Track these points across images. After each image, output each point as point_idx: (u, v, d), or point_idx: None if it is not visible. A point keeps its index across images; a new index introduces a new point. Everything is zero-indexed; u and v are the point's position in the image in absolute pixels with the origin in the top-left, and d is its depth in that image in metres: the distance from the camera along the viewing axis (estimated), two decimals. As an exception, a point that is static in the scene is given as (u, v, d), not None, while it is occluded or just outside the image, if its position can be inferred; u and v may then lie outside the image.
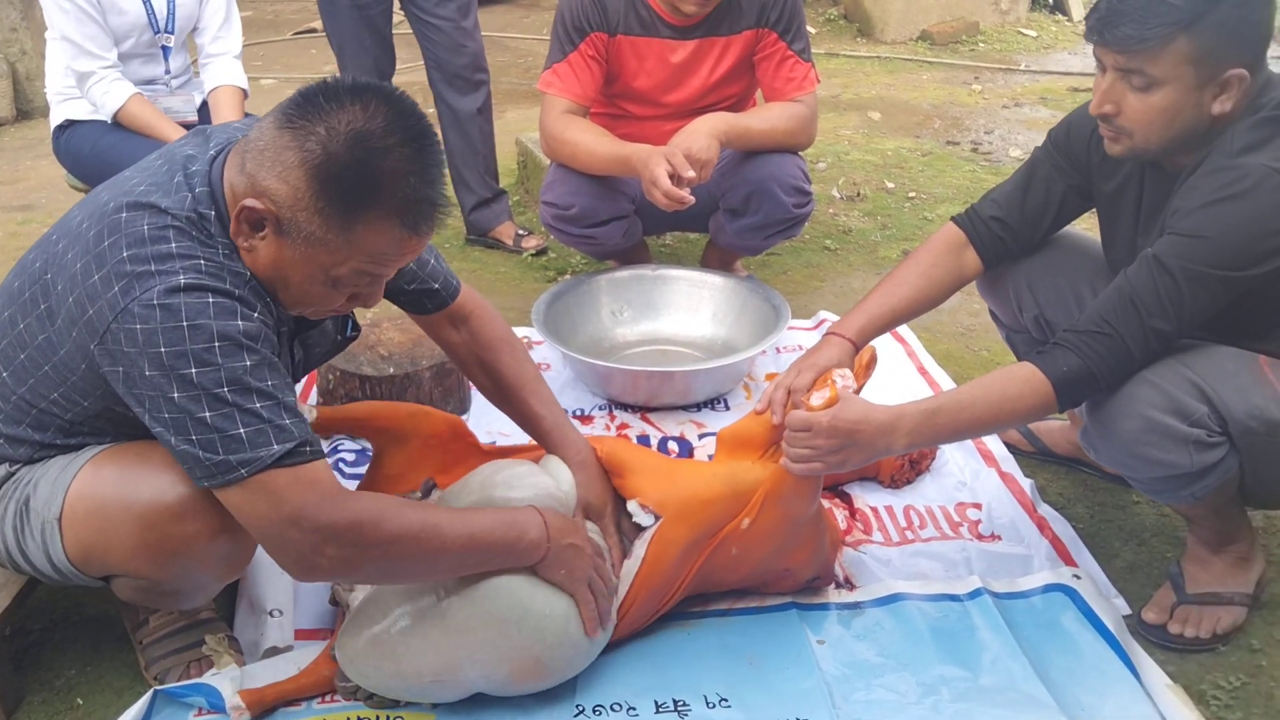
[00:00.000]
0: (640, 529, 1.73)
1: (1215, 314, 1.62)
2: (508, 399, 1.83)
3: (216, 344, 1.32)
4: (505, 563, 1.52)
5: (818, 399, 1.66)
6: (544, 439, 1.81)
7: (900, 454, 1.67)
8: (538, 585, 1.56)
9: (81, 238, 1.40)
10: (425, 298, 1.76)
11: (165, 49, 2.87)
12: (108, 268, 1.35)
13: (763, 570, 1.80)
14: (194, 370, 1.31)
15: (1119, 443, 1.64)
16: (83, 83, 2.73)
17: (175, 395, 1.31)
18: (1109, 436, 1.65)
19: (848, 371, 1.72)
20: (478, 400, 2.45)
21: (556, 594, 1.57)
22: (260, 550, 1.85)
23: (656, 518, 1.71)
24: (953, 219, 2.00)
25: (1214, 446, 1.60)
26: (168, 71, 2.90)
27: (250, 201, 1.34)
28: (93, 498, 1.44)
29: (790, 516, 1.74)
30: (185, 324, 1.31)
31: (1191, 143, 1.64)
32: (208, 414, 1.31)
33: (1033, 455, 2.32)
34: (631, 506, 1.74)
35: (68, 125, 2.84)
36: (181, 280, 1.33)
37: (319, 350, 1.75)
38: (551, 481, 1.68)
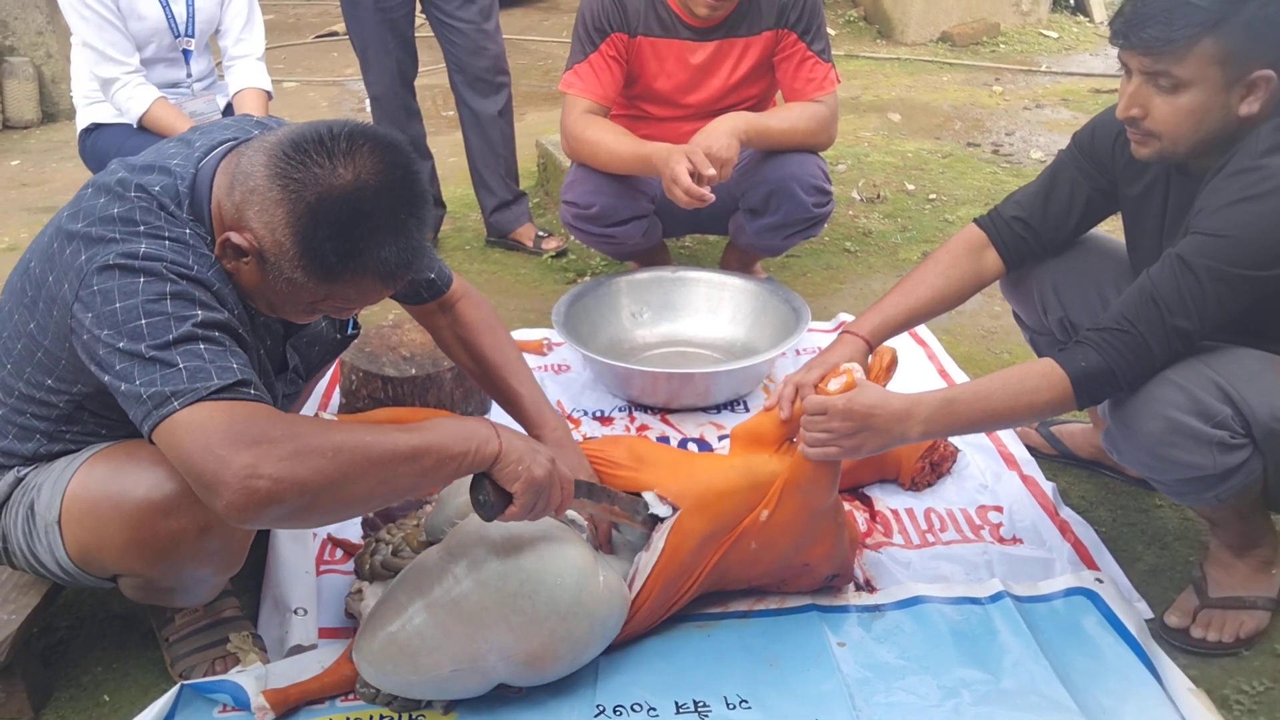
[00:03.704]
0: (658, 520, 1.74)
1: (1238, 315, 1.61)
2: (489, 379, 1.88)
3: (168, 298, 1.34)
4: (461, 467, 1.45)
5: (834, 384, 1.68)
6: (522, 417, 1.85)
7: (915, 442, 1.68)
8: (545, 557, 1.57)
9: (58, 221, 1.44)
10: (422, 287, 1.80)
11: (186, 53, 2.89)
12: (77, 241, 1.38)
13: (781, 565, 1.81)
14: (144, 321, 1.32)
15: (1142, 444, 1.63)
16: (107, 88, 2.76)
17: (122, 345, 1.32)
18: (1132, 437, 1.65)
19: (857, 365, 1.74)
20: (498, 401, 2.47)
21: (566, 564, 1.58)
22: (283, 549, 1.90)
23: (674, 509, 1.72)
24: (974, 220, 2.00)
25: (1237, 448, 1.60)
26: (190, 75, 2.92)
27: (235, 237, 1.38)
28: (85, 498, 1.47)
29: (809, 507, 1.75)
30: (140, 280, 1.34)
31: (1218, 144, 1.63)
32: (152, 353, 1.31)
33: (1055, 458, 2.31)
34: (649, 497, 1.75)
35: (93, 129, 2.87)
36: (141, 247, 1.36)
37: (316, 351, 1.77)
38: None
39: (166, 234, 1.39)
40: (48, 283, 1.42)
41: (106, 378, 1.34)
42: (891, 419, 1.63)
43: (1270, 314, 1.64)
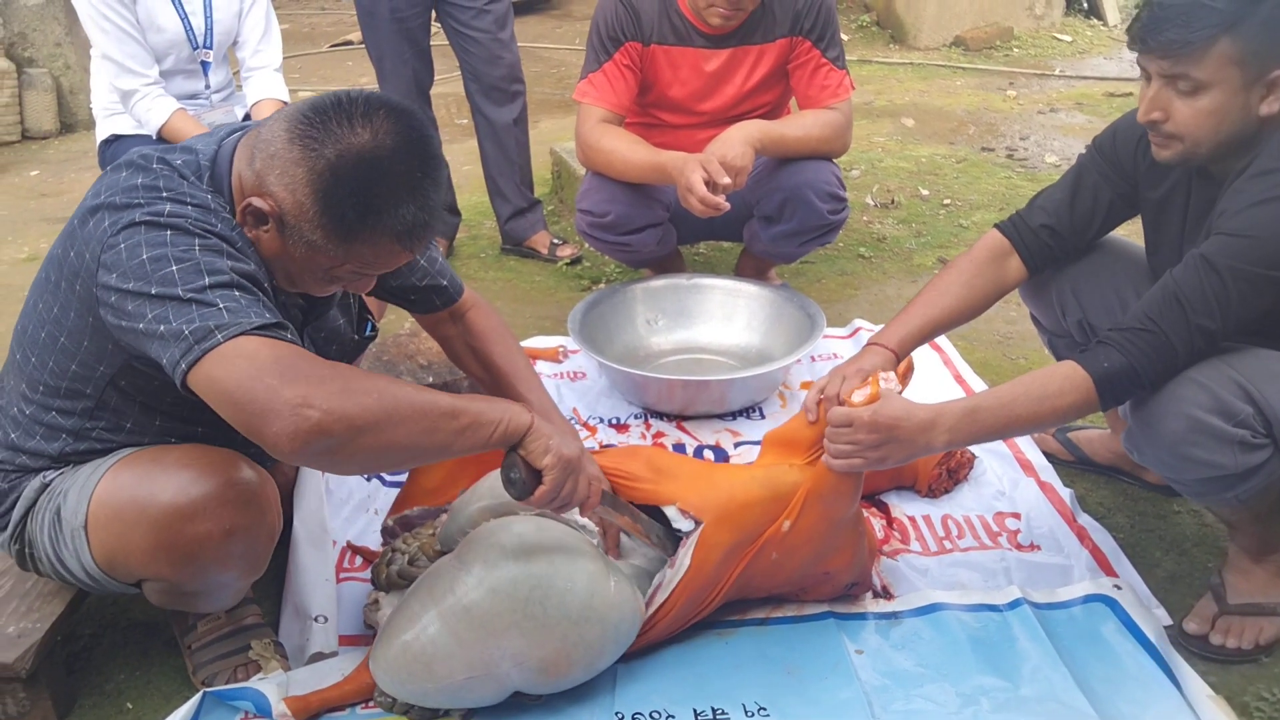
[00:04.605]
0: (681, 535, 1.74)
1: (1261, 316, 1.61)
2: (499, 388, 1.89)
3: (197, 246, 1.37)
4: (494, 435, 1.45)
5: (859, 396, 1.68)
6: None
7: (940, 451, 1.68)
8: (556, 564, 1.58)
9: (81, 204, 1.47)
10: (434, 294, 1.83)
11: (205, 64, 2.92)
12: (100, 212, 1.41)
13: (802, 575, 1.81)
14: (175, 269, 1.34)
15: (1163, 442, 1.63)
16: (126, 100, 2.78)
17: (154, 290, 1.33)
18: (1153, 436, 1.64)
19: (892, 375, 1.74)
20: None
21: (576, 570, 1.59)
22: (303, 557, 1.91)
23: (697, 523, 1.72)
24: (996, 226, 2.00)
25: (1259, 448, 1.60)
26: (208, 86, 2.94)
27: (256, 201, 1.41)
28: (112, 504, 1.49)
29: (831, 517, 1.75)
30: (168, 233, 1.36)
31: (1239, 146, 1.64)
32: (189, 295, 1.32)
33: (1073, 465, 2.31)
34: (671, 512, 1.75)
35: (113, 140, 2.89)
36: (166, 207, 1.39)
37: (334, 350, 1.78)
38: None
39: (189, 199, 1.42)
40: (69, 259, 1.44)
41: (140, 325, 1.34)
42: (917, 430, 1.63)
43: None
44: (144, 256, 1.35)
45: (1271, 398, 1.58)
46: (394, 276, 1.77)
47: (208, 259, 1.36)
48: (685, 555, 1.70)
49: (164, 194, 1.41)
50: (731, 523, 1.72)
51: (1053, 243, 1.95)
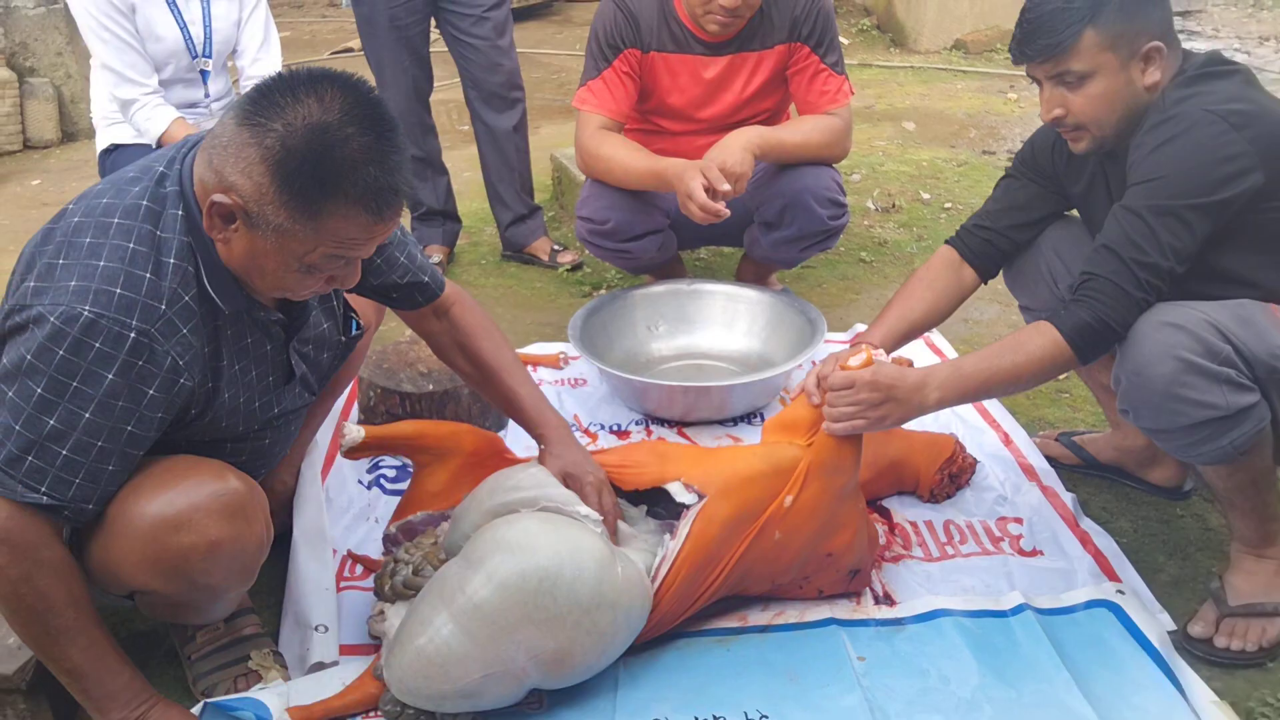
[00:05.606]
0: (684, 508, 1.75)
1: (1199, 247, 1.69)
2: (488, 381, 1.88)
3: (74, 383, 1.37)
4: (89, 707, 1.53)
5: (854, 361, 1.76)
6: (522, 418, 1.87)
7: (934, 410, 1.78)
8: (562, 554, 1.58)
9: (61, 221, 1.48)
10: (417, 290, 1.82)
11: (204, 73, 2.92)
12: (34, 273, 1.42)
13: (805, 558, 1.82)
14: (39, 390, 1.36)
15: (1155, 388, 1.66)
16: (126, 109, 2.79)
17: (10, 392, 1.38)
18: (1144, 385, 1.67)
19: (882, 351, 1.83)
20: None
21: (584, 559, 1.59)
22: (304, 566, 1.91)
23: (700, 497, 1.74)
24: (946, 241, 2.13)
25: (1247, 389, 1.65)
26: (207, 95, 2.94)
27: (218, 197, 1.38)
28: (102, 515, 1.48)
29: (832, 489, 1.78)
30: (59, 354, 1.36)
31: (1137, 120, 1.78)
32: (20, 428, 1.38)
33: (1076, 468, 2.31)
34: (674, 488, 1.77)
35: (113, 149, 2.89)
36: (84, 311, 1.37)
37: (325, 357, 1.78)
38: (556, 483, 1.74)
39: (122, 278, 1.40)
40: (15, 275, 1.46)
41: None
42: (911, 389, 1.73)
43: (1247, 261, 1.75)
44: (25, 355, 1.37)
45: (1245, 339, 1.65)
46: (375, 274, 1.76)
47: (71, 404, 1.37)
48: (685, 525, 1.72)
49: (97, 276, 1.39)
50: (734, 496, 1.75)
51: (999, 244, 2.09)
